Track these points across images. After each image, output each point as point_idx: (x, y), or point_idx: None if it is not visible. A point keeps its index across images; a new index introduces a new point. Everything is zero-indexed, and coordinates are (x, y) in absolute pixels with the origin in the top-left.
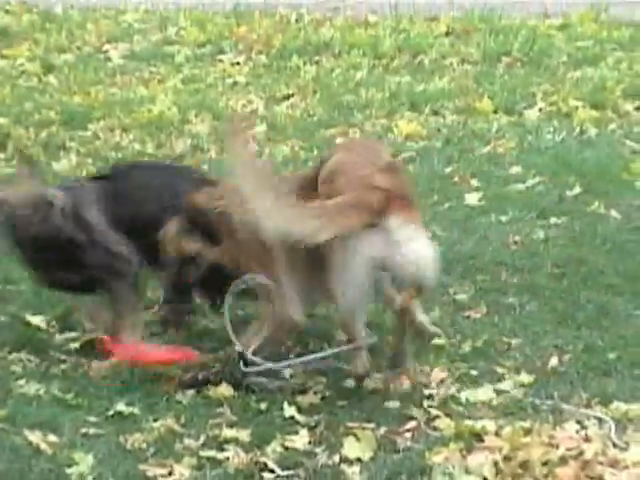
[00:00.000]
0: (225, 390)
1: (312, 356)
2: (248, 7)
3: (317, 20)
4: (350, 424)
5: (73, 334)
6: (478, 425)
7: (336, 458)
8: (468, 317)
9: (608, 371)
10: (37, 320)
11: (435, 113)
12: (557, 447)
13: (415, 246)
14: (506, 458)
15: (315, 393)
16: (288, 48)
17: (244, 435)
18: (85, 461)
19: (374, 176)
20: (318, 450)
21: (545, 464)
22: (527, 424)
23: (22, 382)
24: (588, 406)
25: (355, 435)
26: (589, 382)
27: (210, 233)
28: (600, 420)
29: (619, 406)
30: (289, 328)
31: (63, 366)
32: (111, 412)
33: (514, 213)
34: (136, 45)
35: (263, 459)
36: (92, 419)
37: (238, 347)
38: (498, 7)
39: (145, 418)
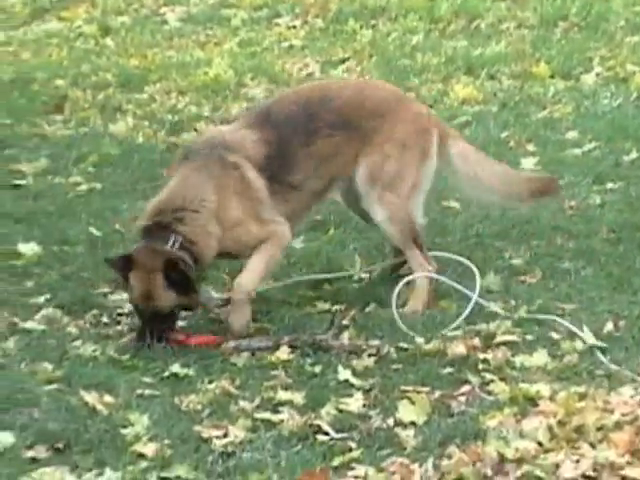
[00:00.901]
0: (280, 353)
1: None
2: None
3: None
4: (405, 387)
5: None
6: (533, 389)
7: (390, 421)
8: (523, 282)
9: None
10: (93, 281)
11: (491, 77)
12: (612, 412)
13: None
14: (560, 423)
15: (370, 356)
16: (344, 12)
17: (299, 398)
18: (140, 422)
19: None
20: (372, 413)
21: (600, 429)
22: (582, 389)
23: (78, 343)
24: None
25: (409, 399)
26: None
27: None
28: None
29: None
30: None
31: (119, 327)
32: (166, 373)
33: (570, 178)
34: (193, 8)
35: (317, 422)
36: (147, 380)
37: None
38: None
39: (200, 380)
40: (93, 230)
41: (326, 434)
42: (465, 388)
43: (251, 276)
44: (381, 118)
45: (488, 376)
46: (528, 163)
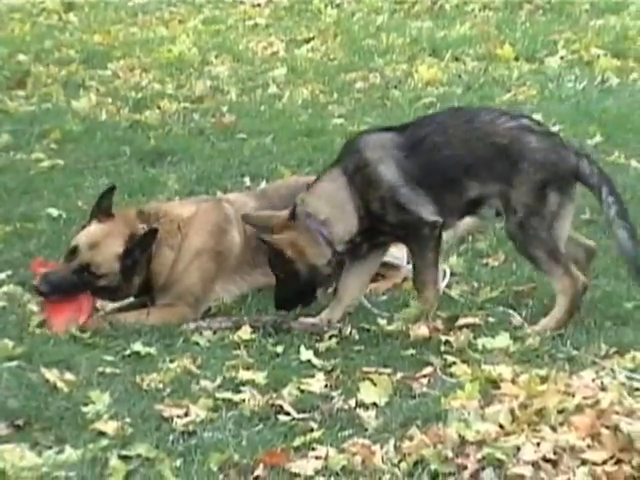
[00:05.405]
0: (243, 333)
1: None
2: None
3: None
4: (366, 369)
5: None
6: (495, 372)
7: (352, 402)
8: (486, 264)
9: (625, 320)
10: (54, 258)
11: (456, 59)
12: (573, 395)
13: None
14: (522, 405)
15: (332, 337)
16: None
17: (260, 377)
18: (101, 400)
19: None
20: (334, 394)
21: (561, 412)
22: (543, 372)
23: (39, 320)
24: (605, 356)
25: (371, 380)
26: (606, 331)
27: None
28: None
29: (636, 355)
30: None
31: None
32: (128, 352)
33: None
34: None
35: (279, 402)
36: (109, 358)
37: None
38: None
39: (162, 358)
40: (53, 210)
41: (287, 414)
42: (427, 370)
43: (127, 317)
44: None
45: (450, 358)
46: None
